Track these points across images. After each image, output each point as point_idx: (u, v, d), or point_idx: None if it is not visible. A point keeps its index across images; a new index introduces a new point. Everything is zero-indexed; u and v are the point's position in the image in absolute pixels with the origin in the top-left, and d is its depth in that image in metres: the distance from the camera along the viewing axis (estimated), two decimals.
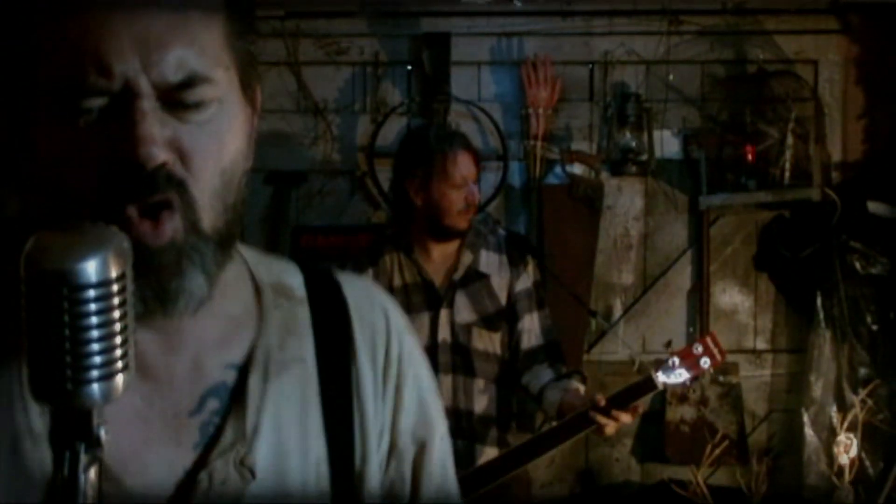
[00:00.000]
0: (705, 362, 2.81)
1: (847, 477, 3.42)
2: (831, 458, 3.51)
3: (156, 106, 0.79)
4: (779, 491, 3.66)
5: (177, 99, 0.80)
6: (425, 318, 2.87)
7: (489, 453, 2.89)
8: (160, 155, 0.78)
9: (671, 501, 3.49)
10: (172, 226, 0.80)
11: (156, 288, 0.80)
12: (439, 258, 2.93)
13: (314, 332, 0.95)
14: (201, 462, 0.86)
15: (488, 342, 2.93)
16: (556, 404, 2.84)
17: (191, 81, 0.80)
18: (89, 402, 0.66)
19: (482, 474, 2.72)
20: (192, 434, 0.87)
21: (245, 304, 0.94)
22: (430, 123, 3.78)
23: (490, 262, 2.97)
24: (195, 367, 0.89)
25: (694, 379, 2.85)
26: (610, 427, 2.70)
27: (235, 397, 0.89)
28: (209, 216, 0.83)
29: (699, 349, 2.82)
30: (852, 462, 3.43)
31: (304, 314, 0.96)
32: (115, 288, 0.66)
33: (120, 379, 0.67)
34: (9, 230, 0.80)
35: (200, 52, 0.81)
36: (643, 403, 2.85)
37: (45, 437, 0.82)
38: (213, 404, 0.89)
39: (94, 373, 0.65)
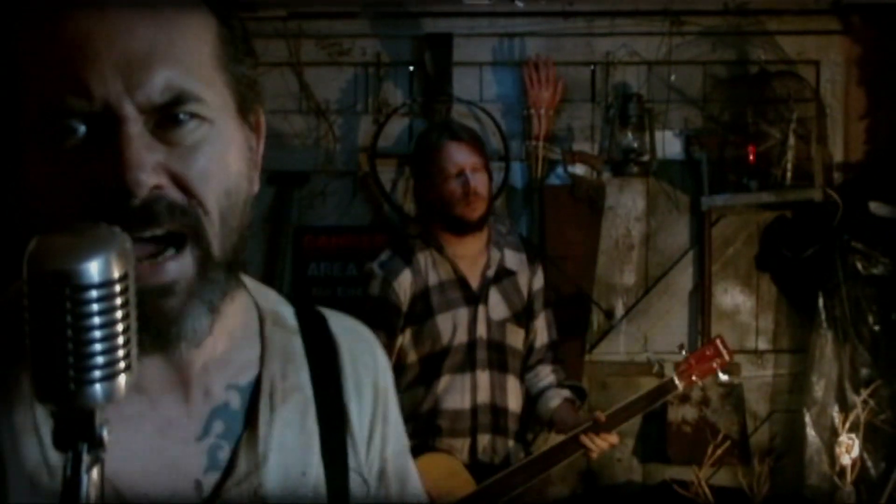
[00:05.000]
0: (716, 363, 2.92)
1: (849, 477, 3.41)
2: (833, 458, 3.51)
3: (143, 130, 0.76)
4: (780, 491, 3.66)
5: (165, 118, 0.77)
6: (464, 314, 2.86)
7: (518, 451, 2.91)
8: (150, 179, 0.74)
9: (673, 502, 3.49)
10: (178, 266, 0.77)
11: (154, 333, 0.77)
12: (469, 255, 2.93)
13: (308, 362, 0.96)
14: (217, 492, 0.86)
15: (518, 338, 2.97)
16: (550, 411, 2.91)
17: (178, 101, 0.77)
18: (92, 403, 0.66)
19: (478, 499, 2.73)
20: (199, 458, 0.87)
21: (250, 330, 0.95)
22: (434, 123, 3.78)
23: (514, 259, 3.01)
24: (204, 392, 0.89)
25: (703, 378, 2.95)
26: (597, 451, 2.77)
27: (247, 424, 0.89)
28: (219, 241, 0.80)
29: (710, 351, 2.91)
30: (854, 462, 3.42)
31: (297, 344, 0.97)
32: (117, 288, 0.66)
33: (122, 379, 0.67)
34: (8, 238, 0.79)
35: (188, 72, 0.78)
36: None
37: (62, 470, 0.81)
38: (218, 427, 0.88)
39: (97, 373, 0.65)
